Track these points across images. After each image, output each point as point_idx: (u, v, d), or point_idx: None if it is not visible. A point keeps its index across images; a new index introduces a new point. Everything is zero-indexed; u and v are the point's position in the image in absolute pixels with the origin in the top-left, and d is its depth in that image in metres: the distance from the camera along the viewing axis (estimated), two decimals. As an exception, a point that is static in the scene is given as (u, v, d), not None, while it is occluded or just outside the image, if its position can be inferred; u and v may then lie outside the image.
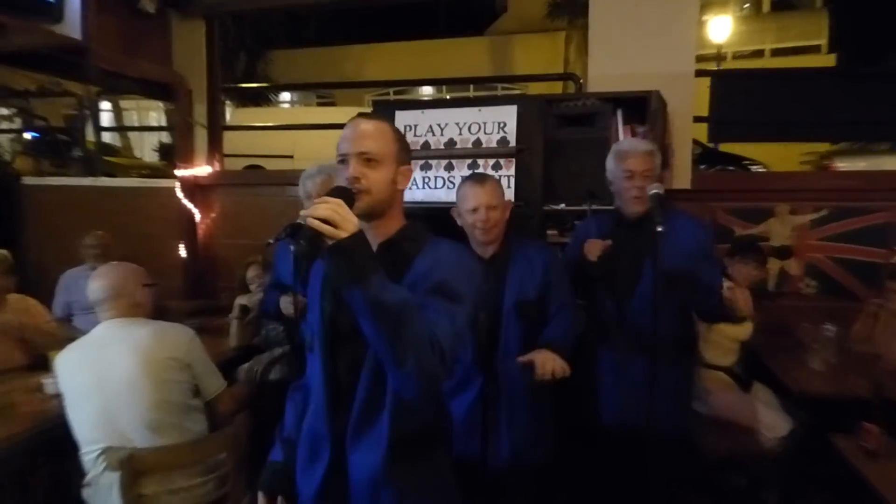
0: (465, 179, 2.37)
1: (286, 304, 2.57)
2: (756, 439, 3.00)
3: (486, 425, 2.32)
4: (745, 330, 3.12)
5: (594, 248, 2.36)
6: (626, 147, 2.44)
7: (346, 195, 1.29)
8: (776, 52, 14.62)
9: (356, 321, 1.33)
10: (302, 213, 1.22)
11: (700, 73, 3.65)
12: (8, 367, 2.94)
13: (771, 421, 3.01)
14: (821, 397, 2.81)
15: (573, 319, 2.38)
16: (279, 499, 1.58)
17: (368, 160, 1.39)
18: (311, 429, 1.53)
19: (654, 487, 2.45)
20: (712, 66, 10.75)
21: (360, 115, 1.51)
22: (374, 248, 1.42)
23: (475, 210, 2.26)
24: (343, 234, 1.20)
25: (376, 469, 1.42)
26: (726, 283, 2.26)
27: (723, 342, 3.13)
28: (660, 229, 2.00)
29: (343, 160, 1.40)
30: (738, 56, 14.60)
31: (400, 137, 1.48)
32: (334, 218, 1.19)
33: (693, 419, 2.70)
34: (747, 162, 8.16)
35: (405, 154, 1.48)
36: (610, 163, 2.45)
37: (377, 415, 1.42)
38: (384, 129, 1.45)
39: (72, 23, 3.50)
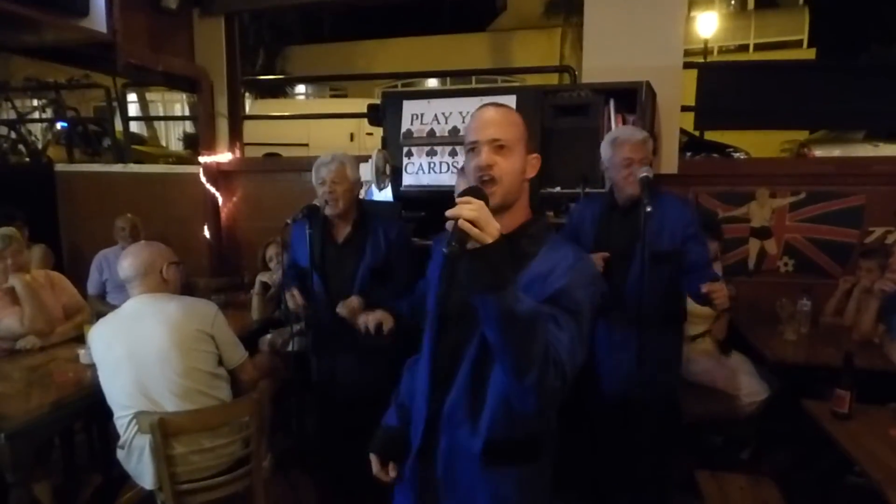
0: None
1: (290, 299, 2.58)
2: (734, 403, 3.03)
3: None
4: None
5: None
6: (625, 136, 2.41)
7: (482, 196, 1.13)
8: (759, 47, 14.48)
9: (462, 311, 1.27)
10: (449, 212, 1.06)
11: (688, 66, 3.63)
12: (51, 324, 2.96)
13: (749, 387, 3.05)
14: (794, 365, 2.83)
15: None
16: (391, 465, 1.49)
17: (500, 147, 1.28)
18: (415, 404, 1.47)
19: (640, 445, 2.50)
20: (699, 60, 10.66)
21: (489, 103, 1.35)
22: None
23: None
24: (488, 239, 1.05)
25: (467, 459, 1.34)
26: (705, 287, 2.23)
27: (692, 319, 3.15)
28: (648, 209, 2.00)
29: (473, 148, 1.29)
30: (723, 50, 14.49)
31: (525, 125, 1.35)
32: (480, 221, 1.04)
33: (677, 385, 2.71)
34: (730, 149, 8.13)
35: (532, 142, 1.35)
36: (606, 150, 2.43)
37: (477, 405, 1.32)
38: (512, 115, 1.33)
39: (97, 18, 3.48)
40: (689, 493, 2.63)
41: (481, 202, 1.08)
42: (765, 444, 3.15)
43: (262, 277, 3.45)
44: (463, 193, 1.11)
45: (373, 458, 1.50)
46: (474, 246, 1.05)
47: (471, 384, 1.31)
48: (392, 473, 1.48)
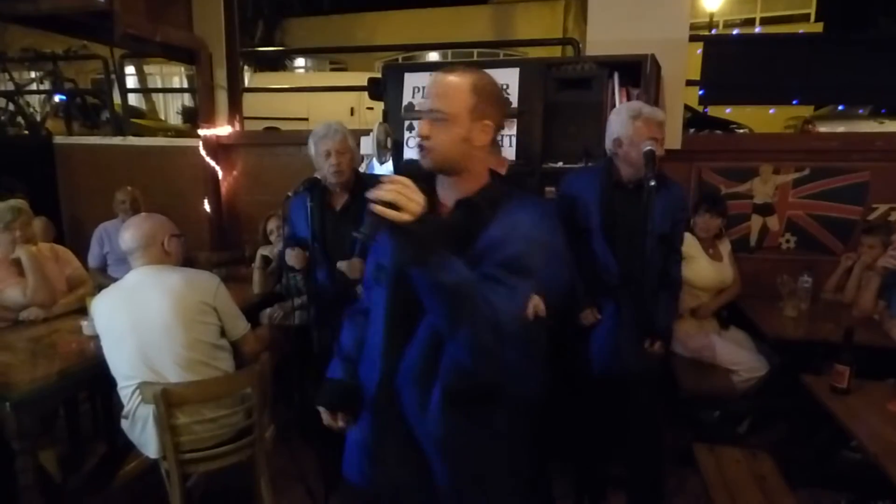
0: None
1: (290, 256, 2.60)
2: (732, 379, 3.06)
3: None
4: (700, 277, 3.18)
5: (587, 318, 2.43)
6: (649, 112, 2.30)
7: (414, 170, 1.19)
8: (766, 21, 14.27)
9: None
10: (369, 194, 1.13)
11: (693, 39, 3.59)
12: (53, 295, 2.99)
13: (748, 363, 3.07)
14: (793, 341, 2.86)
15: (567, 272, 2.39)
16: (339, 414, 1.51)
17: (436, 119, 1.30)
18: (366, 359, 1.49)
19: (641, 418, 2.53)
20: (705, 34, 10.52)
21: (443, 70, 1.36)
22: (452, 203, 1.37)
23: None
24: (407, 217, 1.11)
25: (426, 410, 1.36)
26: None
27: (692, 292, 3.18)
28: (652, 184, 1.99)
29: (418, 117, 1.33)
30: (729, 24, 14.28)
31: (480, 91, 1.32)
32: (399, 200, 1.10)
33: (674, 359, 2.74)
34: (734, 126, 8.08)
35: (487, 107, 1.33)
36: (625, 124, 2.30)
37: (433, 360, 1.34)
38: (460, 84, 1.31)
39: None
40: (687, 466, 2.68)
41: (406, 179, 1.14)
42: (762, 418, 3.19)
43: (263, 251, 3.46)
44: (398, 171, 1.19)
45: (322, 410, 1.53)
46: (378, 228, 1.12)
47: (430, 340, 1.34)
48: (341, 423, 1.51)
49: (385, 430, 1.44)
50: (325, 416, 1.53)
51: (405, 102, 3.06)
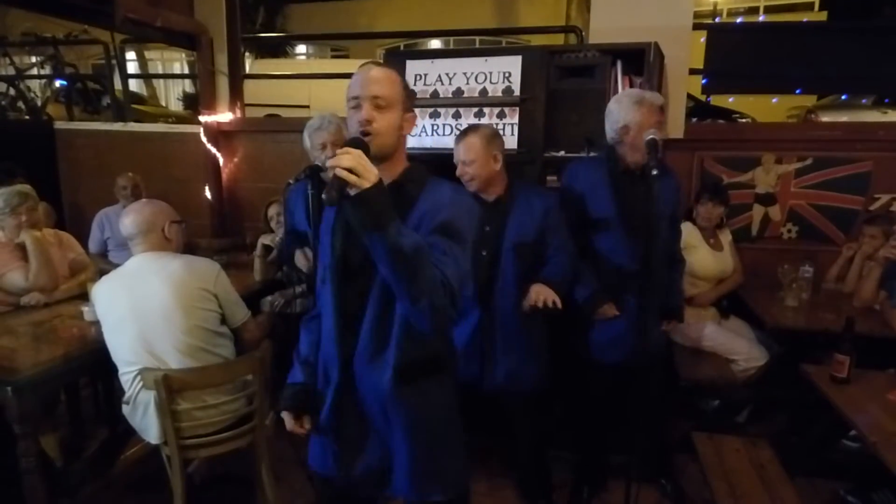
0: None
1: (300, 259, 2.60)
2: (732, 368, 3.06)
3: (484, 352, 2.39)
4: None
5: (605, 315, 2.42)
6: (652, 97, 2.30)
7: (362, 146, 1.26)
8: (770, 9, 14.15)
9: (365, 257, 1.35)
10: (328, 161, 1.20)
11: (697, 27, 3.56)
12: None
13: (748, 352, 3.07)
14: (794, 330, 2.85)
15: (569, 262, 2.38)
16: (304, 417, 1.59)
17: (378, 105, 1.37)
18: (324, 354, 1.57)
19: (650, 405, 2.53)
20: (709, 21, 10.45)
21: (370, 62, 1.48)
22: None
23: (457, 165, 2.33)
24: (366, 184, 1.18)
25: (384, 389, 1.45)
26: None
27: (693, 281, 3.18)
28: (655, 172, 1.98)
29: (354, 104, 1.38)
30: (733, 13, 14.16)
31: (406, 85, 1.46)
32: (358, 168, 1.17)
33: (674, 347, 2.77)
34: (736, 115, 8.03)
35: (410, 101, 1.46)
36: (630, 111, 2.28)
37: (384, 340, 1.45)
38: (393, 76, 1.43)
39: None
40: (686, 455, 2.69)
41: (359, 151, 1.21)
42: (762, 407, 3.19)
43: (264, 240, 3.44)
44: (345, 144, 1.23)
45: (285, 415, 1.60)
46: (356, 191, 1.18)
47: (377, 321, 1.44)
48: (307, 425, 1.59)
49: (345, 417, 1.52)
50: (289, 421, 1.59)
51: (407, 89, 3.04)
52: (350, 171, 1.17)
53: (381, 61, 1.48)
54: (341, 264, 1.47)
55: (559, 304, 2.22)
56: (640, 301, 2.38)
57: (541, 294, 2.21)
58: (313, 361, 1.63)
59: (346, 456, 1.55)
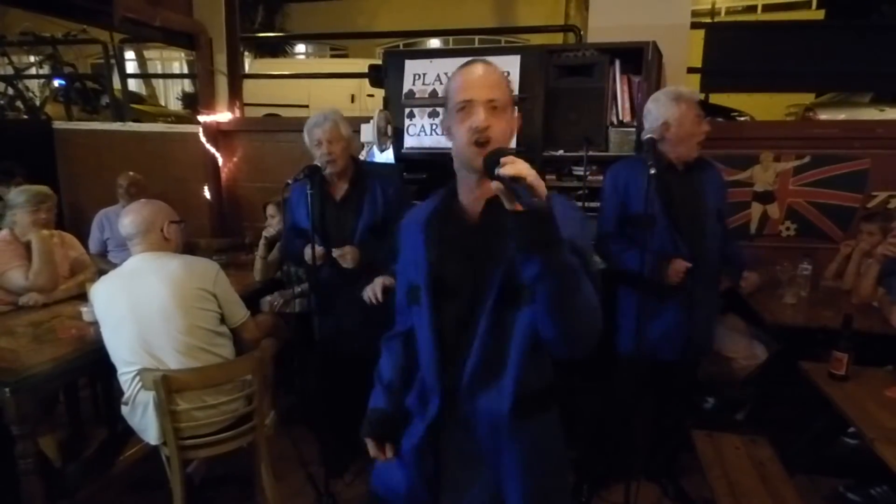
0: None
1: (309, 254, 2.59)
2: (731, 366, 3.06)
3: None
4: None
5: (678, 271, 2.37)
6: (689, 93, 2.41)
7: (506, 154, 1.08)
8: (767, 8, 14.15)
9: (462, 277, 1.29)
10: (508, 171, 1.02)
11: (695, 26, 3.55)
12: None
13: (747, 350, 3.07)
14: (792, 328, 2.85)
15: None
16: (387, 445, 1.48)
17: (495, 108, 1.22)
18: (421, 380, 1.43)
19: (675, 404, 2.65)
20: (707, 21, 10.44)
21: (475, 59, 1.30)
22: (481, 205, 1.30)
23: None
24: (545, 194, 1.04)
25: (496, 421, 1.32)
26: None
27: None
28: (652, 171, 1.98)
29: (464, 107, 1.23)
30: (731, 11, 14.15)
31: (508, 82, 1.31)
32: (534, 181, 1.02)
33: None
34: (735, 113, 8.03)
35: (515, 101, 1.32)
36: (669, 107, 2.34)
37: (498, 370, 1.31)
38: (502, 74, 1.28)
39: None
40: (686, 453, 2.68)
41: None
42: (761, 405, 3.19)
43: (267, 233, 3.40)
44: (494, 154, 1.08)
45: (368, 442, 1.49)
46: (536, 204, 1.02)
47: (490, 351, 1.29)
48: (389, 453, 1.47)
49: (447, 448, 1.40)
50: (372, 448, 1.48)
51: (406, 89, 3.03)
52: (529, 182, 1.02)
53: (487, 60, 1.30)
54: (437, 286, 1.33)
55: None
56: (692, 296, 2.40)
57: None
58: (397, 387, 1.50)
59: (450, 489, 1.41)
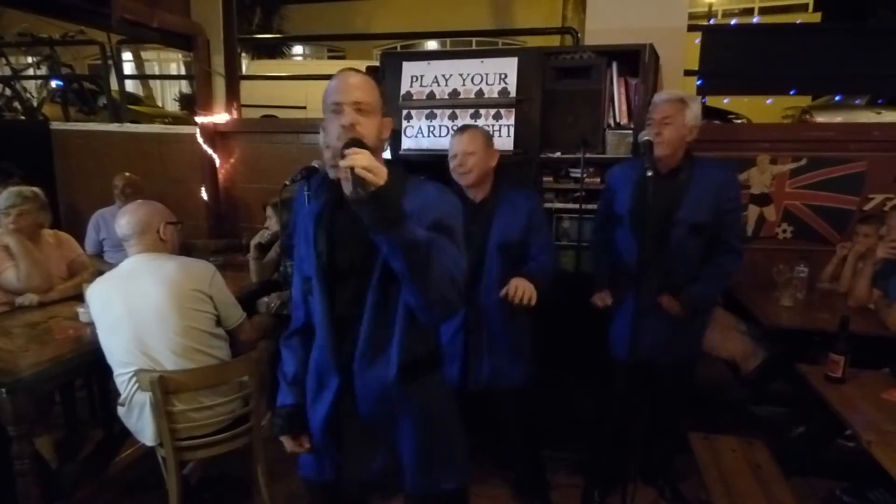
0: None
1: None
2: (726, 367, 3.06)
3: (468, 351, 2.41)
4: None
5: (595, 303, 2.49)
6: (656, 97, 2.40)
7: (364, 145, 1.25)
8: (764, 11, 14.20)
9: (352, 260, 1.41)
10: (342, 162, 1.19)
11: (692, 28, 3.56)
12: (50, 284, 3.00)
13: (743, 352, 3.07)
14: (789, 330, 2.85)
15: (551, 260, 2.41)
16: (303, 437, 1.59)
17: (360, 110, 1.37)
18: (317, 364, 1.54)
19: (659, 406, 2.62)
20: (704, 23, 10.47)
21: (347, 68, 1.47)
22: None
23: (454, 157, 2.33)
24: (381, 181, 1.18)
25: (387, 389, 1.45)
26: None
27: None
28: (649, 174, 1.99)
29: (336, 109, 1.37)
30: (727, 14, 14.20)
31: (381, 91, 1.47)
32: (373, 167, 1.18)
33: (699, 351, 2.73)
34: (731, 115, 8.06)
35: (385, 107, 1.48)
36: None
37: (386, 340, 1.44)
38: (370, 82, 1.43)
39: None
40: (682, 455, 2.68)
41: (367, 151, 1.21)
42: (758, 407, 3.19)
43: (256, 240, 3.41)
44: (345, 146, 1.23)
45: (284, 439, 1.60)
46: (372, 189, 1.17)
47: (377, 322, 1.43)
48: (307, 444, 1.59)
49: (346, 423, 1.51)
50: (288, 443, 1.60)
51: (403, 91, 3.03)
52: (366, 169, 1.17)
53: (358, 69, 1.49)
54: (330, 270, 1.46)
55: (534, 301, 2.20)
56: (637, 303, 2.35)
57: (518, 288, 2.20)
58: (301, 379, 1.61)
59: (352, 462, 1.54)
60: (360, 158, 1.18)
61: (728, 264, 2.44)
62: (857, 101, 8.08)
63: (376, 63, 3.28)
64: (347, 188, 1.20)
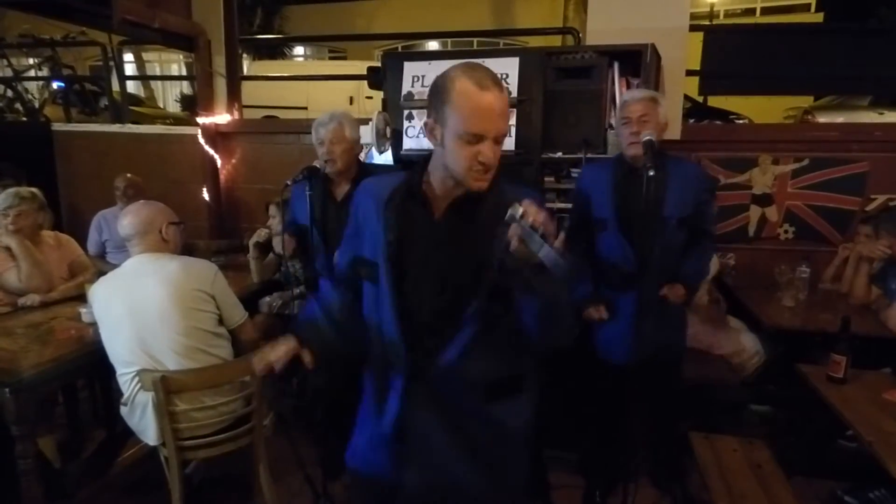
0: None
1: (278, 244, 2.59)
2: (728, 367, 3.07)
3: None
4: None
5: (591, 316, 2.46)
6: (627, 96, 2.40)
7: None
8: (766, 11, 14.19)
9: (425, 267, 1.33)
10: (529, 218, 1.08)
11: (693, 28, 3.57)
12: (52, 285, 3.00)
13: (744, 352, 3.08)
14: (790, 331, 2.86)
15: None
16: (306, 351, 1.47)
17: (497, 141, 1.25)
18: (381, 356, 1.43)
19: (657, 408, 2.62)
20: (705, 23, 10.47)
21: (489, 82, 1.25)
22: (446, 203, 1.35)
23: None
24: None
25: (466, 406, 1.38)
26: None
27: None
28: (651, 173, 1.99)
29: (473, 141, 1.22)
30: (729, 14, 14.20)
31: None
32: (549, 229, 1.08)
33: (685, 346, 2.72)
34: (733, 116, 8.05)
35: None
36: (617, 112, 2.42)
37: (475, 358, 1.34)
38: (506, 97, 1.28)
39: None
40: (683, 455, 2.68)
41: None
42: (759, 407, 3.19)
43: (254, 239, 3.39)
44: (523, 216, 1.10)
45: (290, 338, 1.48)
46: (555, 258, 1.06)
47: (470, 342, 1.32)
48: (307, 358, 1.47)
49: (415, 423, 1.40)
50: (294, 344, 1.48)
51: (405, 91, 3.04)
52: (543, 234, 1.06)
53: (497, 80, 1.30)
54: (396, 268, 1.35)
55: None
56: (638, 303, 2.36)
57: None
58: (339, 320, 1.51)
59: (417, 466, 1.42)
60: (545, 220, 1.08)
61: (709, 247, 2.52)
62: (859, 102, 8.07)
63: (377, 63, 3.30)
64: (518, 245, 1.09)
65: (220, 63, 4.57)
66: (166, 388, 2.14)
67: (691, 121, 6.35)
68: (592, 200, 2.48)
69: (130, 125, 5.11)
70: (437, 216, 1.36)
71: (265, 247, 3.39)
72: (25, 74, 7.61)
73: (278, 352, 1.48)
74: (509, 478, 1.48)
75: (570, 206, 2.88)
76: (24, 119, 6.82)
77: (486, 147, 1.22)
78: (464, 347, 1.33)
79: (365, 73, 3.50)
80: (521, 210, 1.09)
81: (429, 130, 1.32)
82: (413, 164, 1.44)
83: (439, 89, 1.29)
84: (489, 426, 1.41)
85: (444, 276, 1.33)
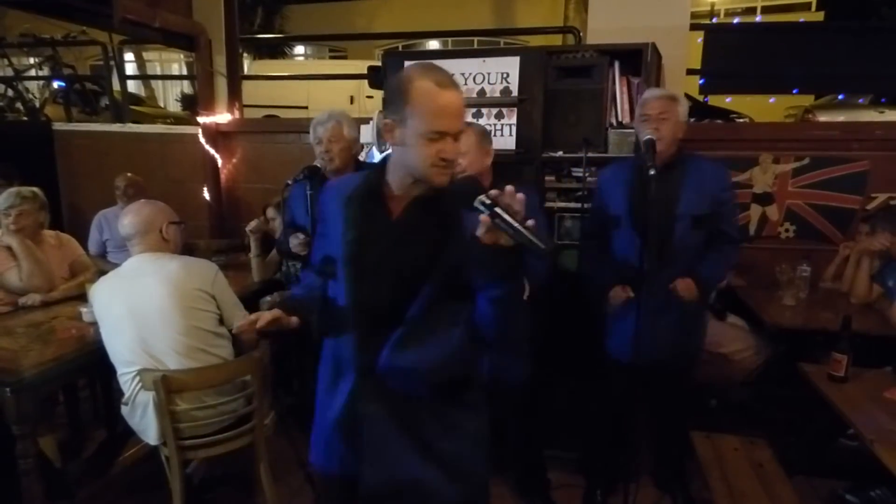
0: None
1: (296, 244, 2.59)
2: (729, 367, 3.06)
3: None
4: None
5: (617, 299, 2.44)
6: (647, 94, 2.40)
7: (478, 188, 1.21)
8: (767, 10, 14.17)
9: (382, 264, 1.36)
10: (524, 226, 1.13)
11: (694, 27, 3.56)
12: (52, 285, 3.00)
13: (746, 351, 3.07)
14: (791, 329, 2.85)
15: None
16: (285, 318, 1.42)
17: (457, 138, 1.31)
18: (335, 352, 1.48)
19: (661, 407, 2.62)
20: (706, 22, 10.47)
21: (448, 84, 1.31)
22: (404, 203, 1.39)
23: None
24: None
25: (416, 403, 1.41)
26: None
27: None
28: (651, 172, 1.99)
29: (435, 138, 1.27)
30: (730, 13, 14.18)
31: None
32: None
33: (701, 347, 2.71)
34: (734, 115, 8.04)
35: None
36: (636, 110, 2.42)
37: (423, 355, 1.37)
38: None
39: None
40: (685, 454, 2.68)
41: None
42: (761, 406, 3.19)
43: (249, 227, 3.36)
44: (493, 202, 1.16)
45: (269, 312, 1.40)
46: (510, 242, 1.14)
47: (415, 338, 1.36)
48: (293, 321, 1.43)
49: (366, 421, 1.42)
50: (279, 312, 1.41)
51: (405, 90, 3.04)
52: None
53: (454, 82, 1.37)
54: (357, 264, 1.39)
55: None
56: (645, 302, 2.34)
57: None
58: (317, 291, 1.53)
59: (370, 461, 1.43)
60: (522, 207, 1.15)
61: (730, 252, 2.47)
62: (860, 101, 8.07)
63: (378, 63, 3.29)
64: (486, 234, 1.16)
65: (220, 62, 4.57)
66: (167, 387, 2.14)
67: (691, 120, 6.35)
68: (609, 198, 2.50)
69: (131, 125, 5.11)
70: (395, 215, 1.39)
71: (266, 245, 3.39)
72: (26, 74, 7.61)
73: (264, 316, 1.42)
74: (466, 474, 1.50)
75: (570, 205, 2.89)
76: (25, 118, 6.81)
77: (448, 143, 1.29)
78: (404, 340, 1.36)
79: (365, 72, 3.50)
80: (490, 198, 1.16)
81: (388, 131, 1.35)
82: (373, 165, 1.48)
83: (398, 91, 1.32)
84: (439, 421, 1.44)
85: (401, 274, 1.36)
